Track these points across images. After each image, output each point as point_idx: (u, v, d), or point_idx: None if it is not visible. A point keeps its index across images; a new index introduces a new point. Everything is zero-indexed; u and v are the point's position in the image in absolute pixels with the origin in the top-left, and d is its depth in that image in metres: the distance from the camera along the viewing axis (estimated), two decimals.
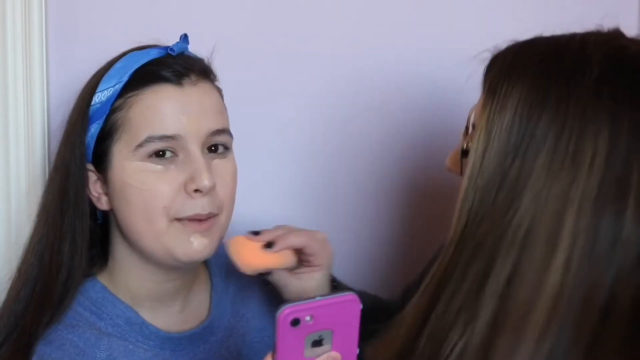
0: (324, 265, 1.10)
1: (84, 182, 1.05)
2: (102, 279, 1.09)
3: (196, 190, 1.01)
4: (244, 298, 1.20)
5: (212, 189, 1.02)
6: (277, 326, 0.75)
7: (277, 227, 1.08)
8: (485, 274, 0.80)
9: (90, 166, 1.06)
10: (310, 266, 1.10)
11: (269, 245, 1.05)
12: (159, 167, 1.02)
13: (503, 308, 0.79)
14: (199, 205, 1.02)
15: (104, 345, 1.05)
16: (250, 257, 1.04)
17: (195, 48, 1.11)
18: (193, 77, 1.05)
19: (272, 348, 0.77)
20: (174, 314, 1.12)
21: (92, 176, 1.06)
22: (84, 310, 1.06)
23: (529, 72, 0.83)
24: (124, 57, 1.07)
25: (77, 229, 1.05)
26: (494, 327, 0.79)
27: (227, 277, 1.19)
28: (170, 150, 1.02)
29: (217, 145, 1.06)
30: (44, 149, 1.26)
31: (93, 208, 1.08)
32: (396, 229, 1.38)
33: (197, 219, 1.03)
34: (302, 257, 1.10)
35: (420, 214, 1.38)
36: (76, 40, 1.26)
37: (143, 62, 1.05)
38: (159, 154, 1.02)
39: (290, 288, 1.10)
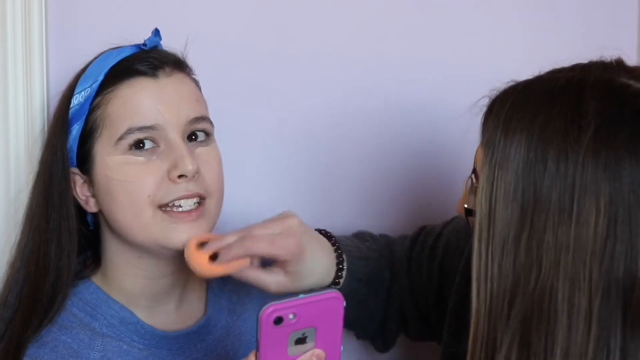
0: (288, 261, 1.03)
1: (67, 184, 1.06)
2: (96, 280, 1.10)
3: (180, 177, 1.01)
4: (242, 297, 1.19)
5: (196, 174, 1.02)
6: (260, 324, 0.75)
7: (230, 234, 1.02)
8: (525, 347, 0.81)
9: (75, 170, 1.07)
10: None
11: (213, 257, 1.01)
12: (141, 158, 1.02)
13: None
14: (183, 188, 1.02)
15: (98, 345, 1.05)
16: (199, 267, 1.00)
17: (194, 46, 1.11)
18: (167, 69, 1.06)
19: (256, 346, 0.77)
20: (170, 313, 1.11)
21: (79, 179, 1.07)
22: (78, 311, 1.07)
23: (525, 128, 0.81)
24: (98, 57, 1.09)
25: (63, 231, 1.05)
26: None
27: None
28: (150, 140, 1.02)
29: (196, 133, 1.06)
30: None
31: (84, 212, 1.09)
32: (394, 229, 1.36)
33: (185, 211, 1.02)
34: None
35: (418, 212, 1.38)
36: (76, 38, 1.26)
37: (117, 60, 1.06)
38: (140, 145, 1.02)
39: (272, 287, 1.03)
